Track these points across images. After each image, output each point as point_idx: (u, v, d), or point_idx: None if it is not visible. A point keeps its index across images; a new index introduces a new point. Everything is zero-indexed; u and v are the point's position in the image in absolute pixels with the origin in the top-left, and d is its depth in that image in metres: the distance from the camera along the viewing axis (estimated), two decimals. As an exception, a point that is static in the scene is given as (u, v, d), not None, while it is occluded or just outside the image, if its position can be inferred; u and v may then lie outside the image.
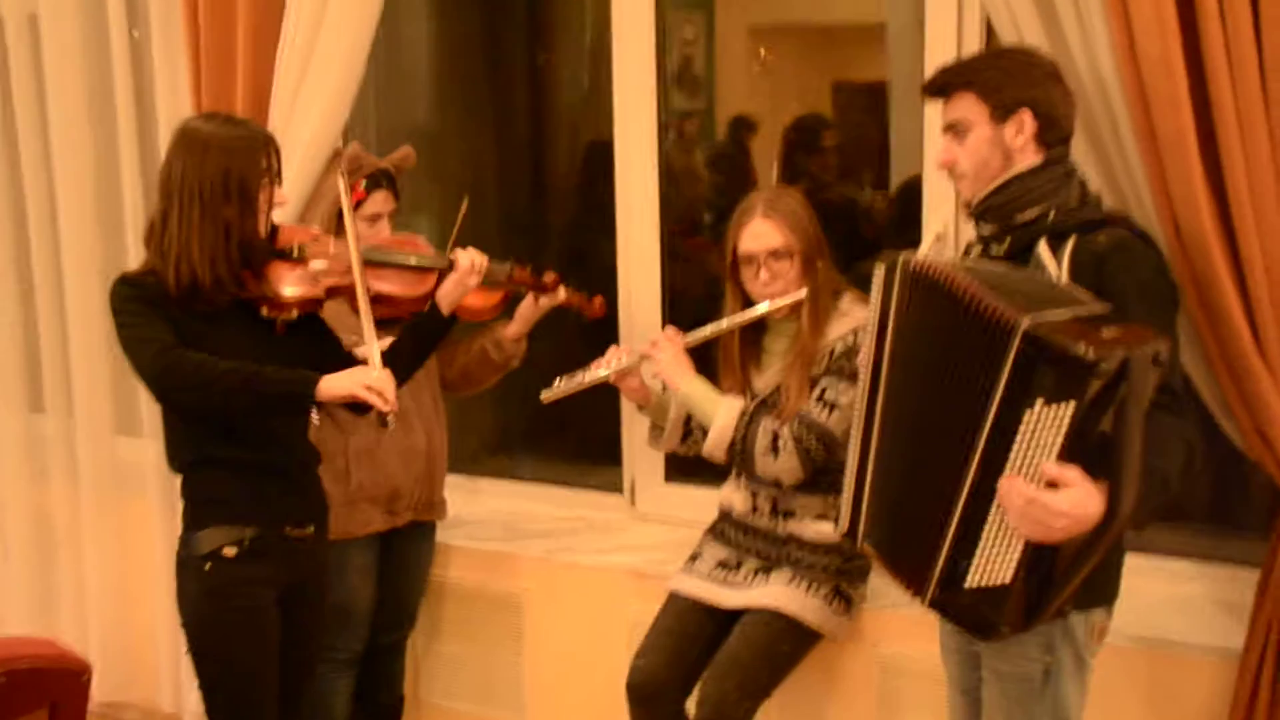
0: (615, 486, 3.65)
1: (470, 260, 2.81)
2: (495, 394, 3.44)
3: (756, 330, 2.93)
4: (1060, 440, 1.86)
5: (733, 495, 2.98)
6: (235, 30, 3.31)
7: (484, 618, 3.50)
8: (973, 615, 2.05)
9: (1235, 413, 2.38)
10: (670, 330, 2.92)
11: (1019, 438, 1.89)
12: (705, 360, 2.98)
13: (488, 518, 3.71)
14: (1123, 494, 1.86)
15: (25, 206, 3.97)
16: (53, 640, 2.93)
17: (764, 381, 2.90)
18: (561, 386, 2.93)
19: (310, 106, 3.22)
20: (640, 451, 3.47)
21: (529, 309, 3.15)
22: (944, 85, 2.25)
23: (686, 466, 3.32)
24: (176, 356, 2.46)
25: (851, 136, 3.76)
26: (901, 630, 2.90)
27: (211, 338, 2.53)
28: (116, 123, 3.71)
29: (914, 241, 3.00)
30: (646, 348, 2.91)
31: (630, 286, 3.48)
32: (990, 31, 2.76)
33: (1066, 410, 1.84)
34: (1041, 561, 1.96)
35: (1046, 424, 1.86)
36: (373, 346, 2.60)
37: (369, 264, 2.78)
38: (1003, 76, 2.19)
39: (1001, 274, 2.10)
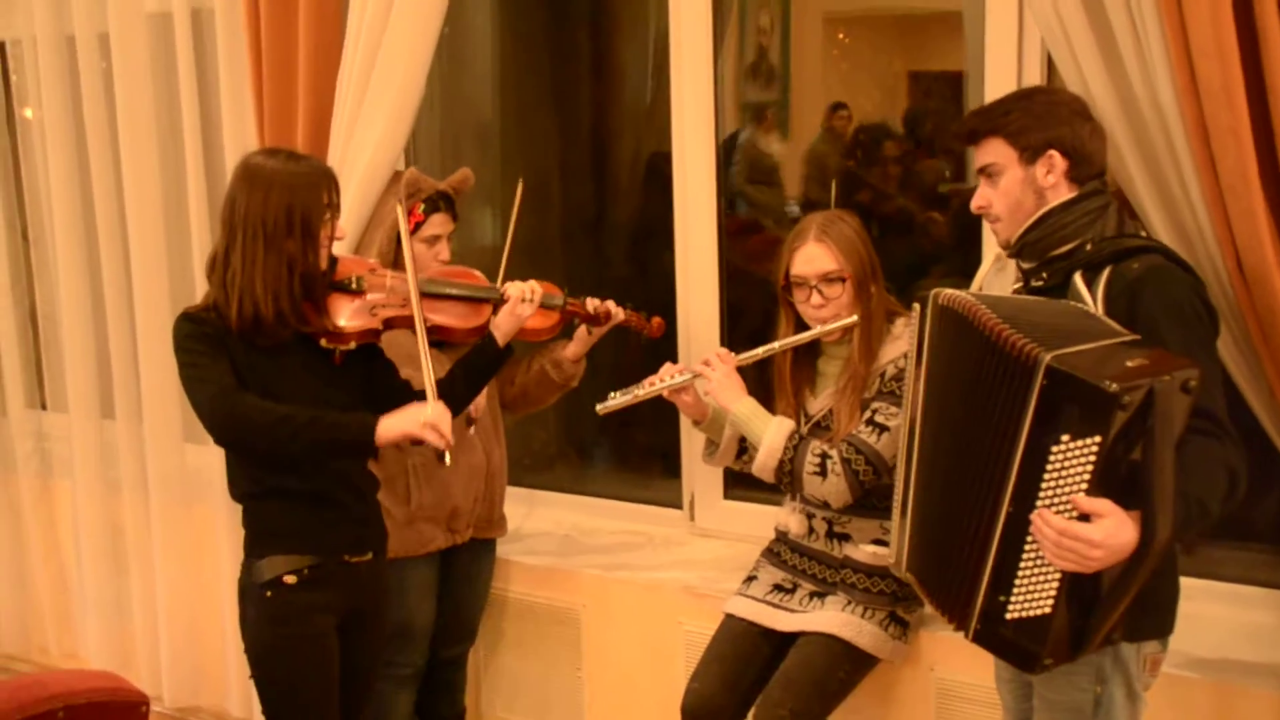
0: (675, 501, 3.66)
1: (521, 291, 2.84)
2: (556, 406, 3.46)
3: (810, 353, 2.93)
4: (1089, 473, 1.89)
5: (789, 518, 2.98)
6: (297, 52, 3.36)
7: (543, 632, 3.53)
8: (1015, 648, 2.06)
9: (1298, 445, 2.34)
10: (723, 350, 2.91)
11: (1048, 471, 1.93)
12: (762, 381, 2.99)
13: (547, 532, 3.74)
14: (1156, 523, 1.88)
15: (95, 221, 4.06)
16: (113, 674, 2.99)
17: (817, 404, 2.89)
18: (616, 400, 2.95)
19: (368, 132, 3.25)
20: (700, 467, 3.47)
21: (587, 330, 3.17)
22: (972, 132, 2.29)
23: (746, 482, 3.32)
24: (235, 401, 2.49)
25: (929, 126, 3.72)
26: (958, 654, 2.87)
27: (271, 371, 2.57)
28: (183, 138, 3.77)
29: (975, 259, 2.98)
30: (699, 366, 2.91)
31: (689, 305, 3.48)
32: (1051, 64, 2.73)
33: (1093, 444, 1.87)
34: (1081, 591, 1.97)
35: (1074, 458, 1.90)
36: (430, 382, 2.63)
37: (425, 296, 2.81)
38: (1028, 119, 2.21)
39: (1027, 306, 2.13)
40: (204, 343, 2.55)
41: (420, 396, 2.69)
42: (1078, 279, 2.16)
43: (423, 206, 3.07)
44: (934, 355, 2.24)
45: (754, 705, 2.82)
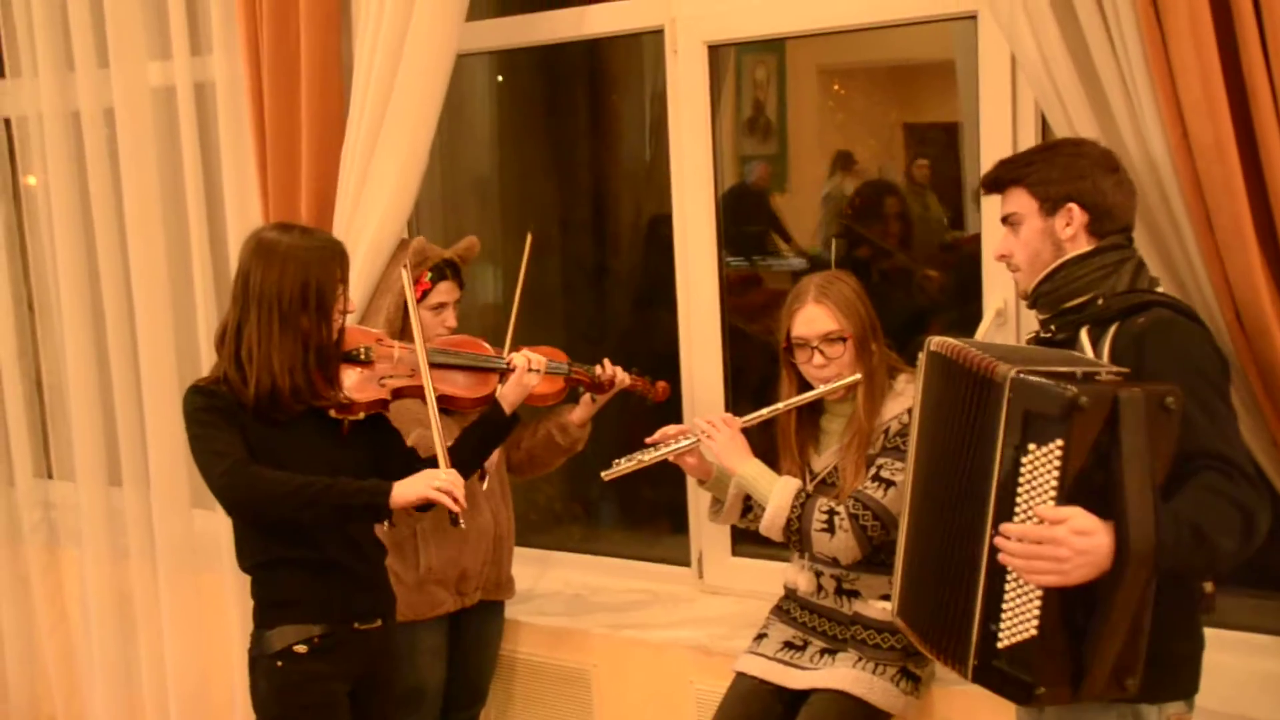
0: (683, 558, 3.66)
1: (526, 360, 2.89)
2: (562, 466, 3.46)
3: (813, 411, 2.95)
4: (1055, 480, 1.91)
5: (797, 575, 2.98)
6: (300, 129, 3.40)
7: (554, 693, 3.53)
8: (1009, 680, 2.03)
9: (1305, 493, 2.34)
10: (727, 415, 2.93)
11: (1020, 485, 1.95)
12: (765, 440, 3.00)
13: (556, 592, 3.74)
14: (1130, 530, 1.88)
15: (101, 291, 4.09)
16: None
17: (822, 462, 2.91)
18: (622, 466, 2.96)
19: (374, 202, 3.28)
20: (707, 524, 3.46)
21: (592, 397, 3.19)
22: (994, 181, 2.32)
23: (754, 539, 3.31)
24: (247, 475, 2.51)
25: (925, 176, 3.75)
26: (971, 708, 2.88)
27: (281, 442, 2.59)
28: (187, 209, 3.81)
29: (976, 315, 3.01)
30: (702, 427, 2.93)
31: (692, 366, 3.50)
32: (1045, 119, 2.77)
33: (1056, 449, 1.90)
34: (1069, 612, 1.96)
35: (1041, 467, 1.93)
36: (441, 448, 2.65)
37: (432, 366, 2.84)
38: (1050, 170, 2.23)
39: (1019, 348, 2.18)
40: (215, 415, 2.57)
41: (429, 463, 2.71)
42: (1083, 335, 2.17)
43: (429, 275, 3.11)
44: (926, 400, 2.27)
45: (768, 764, 2.82)
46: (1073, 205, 2.21)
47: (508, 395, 2.88)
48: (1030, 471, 1.95)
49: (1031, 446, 1.94)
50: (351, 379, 2.73)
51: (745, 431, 2.91)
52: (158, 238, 3.90)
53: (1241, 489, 1.99)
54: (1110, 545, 1.90)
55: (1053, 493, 1.93)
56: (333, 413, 2.68)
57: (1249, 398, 2.33)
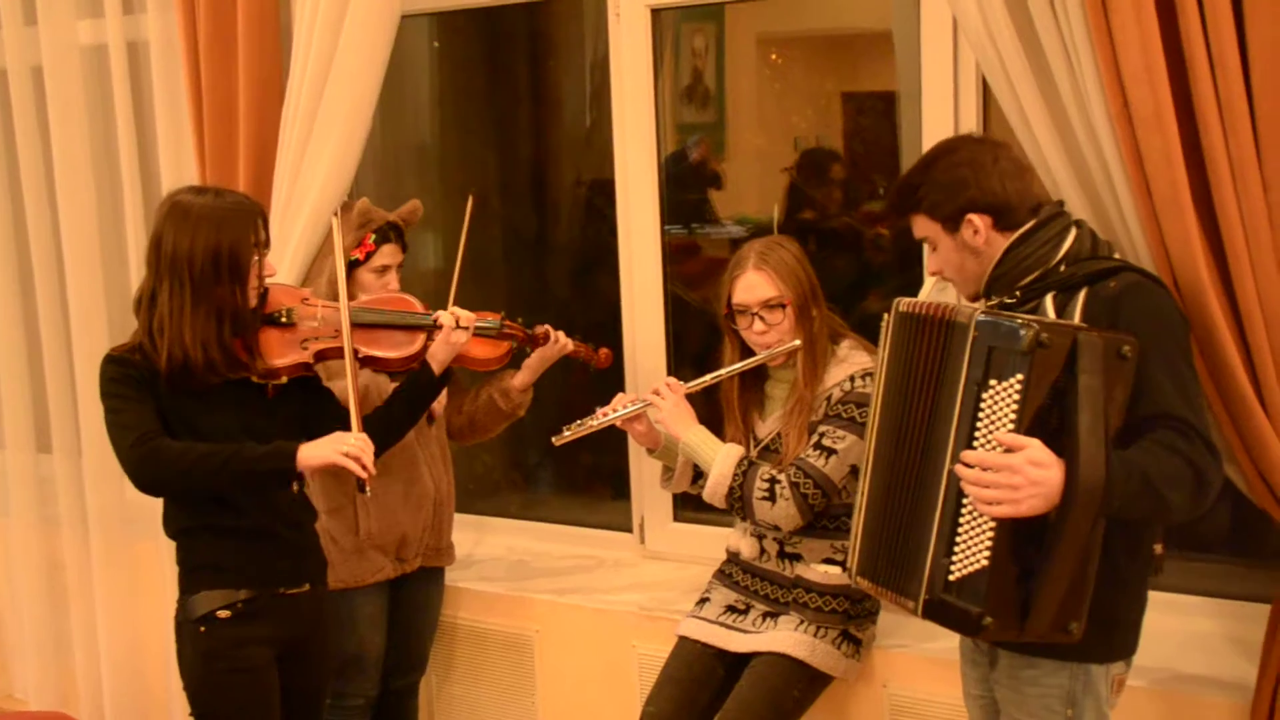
0: (624, 524, 3.67)
1: (454, 318, 2.85)
2: (504, 431, 3.45)
3: (758, 377, 2.96)
4: (1014, 413, 1.99)
5: (740, 540, 3.00)
6: (237, 86, 3.35)
7: (496, 659, 3.53)
8: (958, 612, 2.09)
9: (1238, 458, 2.39)
10: (672, 379, 2.94)
11: (980, 419, 2.03)
12: (711, 407, 3.01)
13: (497, 558, 3.74)
14: (1080, 468, 1.95)
15: (30, 253, 4.01)
16: (63, 713, 2.95)
17: (766, 428, 2.93)
18: (570, 433, 2.95)
19: (317, 164, 3.23)
20: (649, 490, 3.50)
21: (536, 360, 3.18)
22: (895, 210, 2.39)
23: (695, 505, 3.34)
24: (153, 448, 2.45)
25: (863, 146, 3.77)
26: (911, 670, 2.92)
27: (199, 410, 2.55)
28: (120, 173, 3.75)
29: (918, 276, 3.02)
30: (650, 395, 2.93)
31: (635, 332, 3.51)
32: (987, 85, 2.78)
33: (1016, 383, 1.98)
34: (1019, 546, 2.03)
35: (1001, 401, 2.01)
36: (355, 413, 2.61)
37: (358, 326, 2.79)
38: (936, 192, 2.27)
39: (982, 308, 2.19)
40: (128, 386, 2.51)
41: (366, 424, 2.68)
42: (1048, 301, 2.19)
43: (373, 237, 3.07)
44: (892, 363, 2.30)
45: (710, 727, 2.83)
46: (971, 216, 2.24)
47: (436, 354, 2.83)
48: (990, 406, 2.02)
49: (993, 382, 2.01)
50: (272, 343, 2.65)
51: (691, 398, 2.92)
52: (89, 201, 3.83)
53: (1196, 449, 2.05)
54: (1061, 480, 1.97)
55: (1011, 426, 2.00)
56: (255, 378, 2.62)
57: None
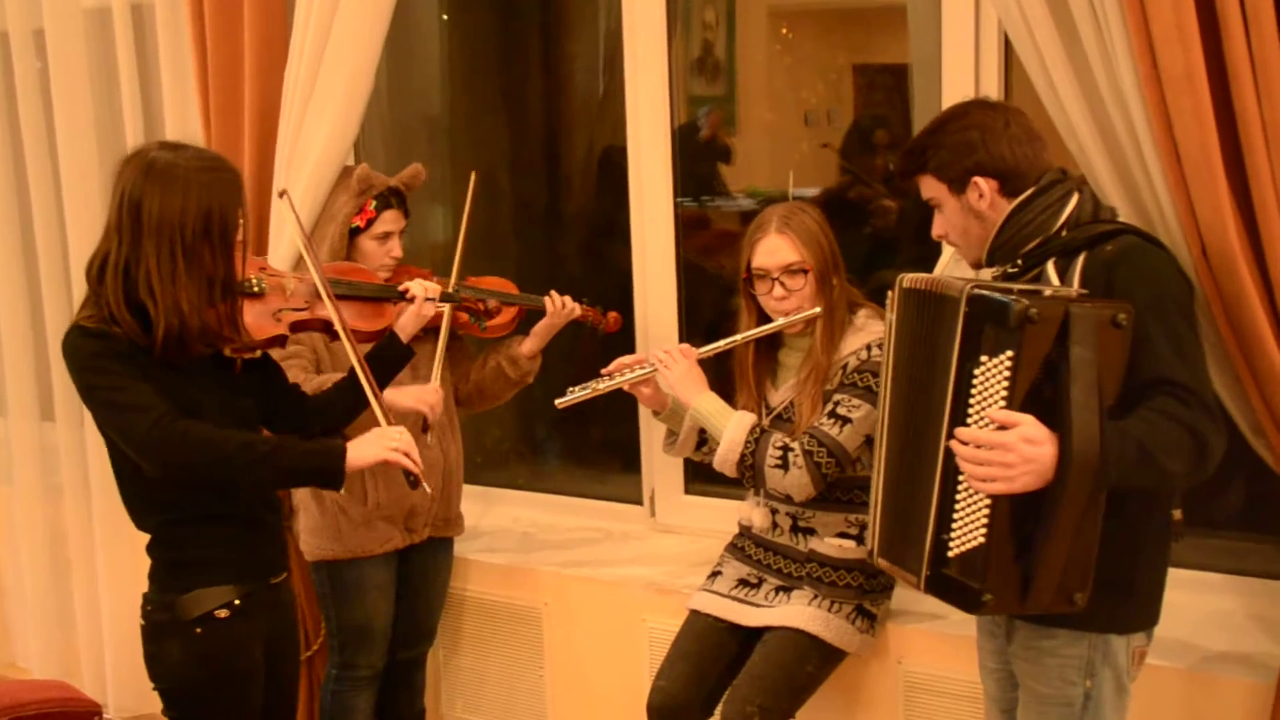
0: (634, 497, 3.63)
1: (424, 288, 2.80)
2: (510, 403, 3.42)
3: (771, 344, 2.91)
4: (1005, 390, 1.97)
5: (752, 512, 2.95)
6: (242, 47, 3.30)
7: (504, 631, 3.50)
8: (959, 588, 2.09)
9: (1266, 431, 2.34)
10: (684, 345, 2.89)
11: (973, 396, 2.02)
12: (722, 373, 2.96)
13: (505, 529, 3.70)
14: (1074, 441, 1.92)
15: (33, 220, 3.97)
16: (64, 683, 2.91)
17: (779, 397, 2.88)
18: (575, 394, 2.90)
19: (318, 125, 3.18)
20: (660, 462, 3.46)
21: (543, 326, 3.13)
22: (904, 170, 2.36)
23: (707, 477, 3.30)
24: (182, 431, 2.27)
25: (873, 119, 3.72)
26: (926, 646, 2.88)
27: (183, 387, 2.36)
28: (124, 137, 3.71)
29: (935, 249, 2.97)
30: (658, 356, 2.88)
31: (647, 298, 3.46)
32: (1008, 54, 2.73)
33: (1007, 360, 1.96)
34: (1016, 521, 2.01)
35: (993, 377, 2.00)
36: (380, 408, 2.50)
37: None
38: (943, 152, 2.25)
39: (985, 281, 2.18)
40: (116, 361, 2.29)
41: (320, 403, 2.63)
42: (1050, 267, 2.17)
43: (374, 203, 3.03)
44: (899, 339, 2.29)
45: (721, 702, 2.79)
46: (976, 179, 2.22)
47: (405, 326, 2.76)
48: (982, 382, 2.01)
49: (984, 358, 2.00)
50: (247, 315, 2.51)
51: (701, 364, 2.86)
52: (92, 166, 3.79)
53: (1196, 415, 2.01)
54: (1054, 456, 1.95)
55: (1002, 403, 1.98)
56: (228, 351, 2.45)
57: (1213, 332, 2.31)
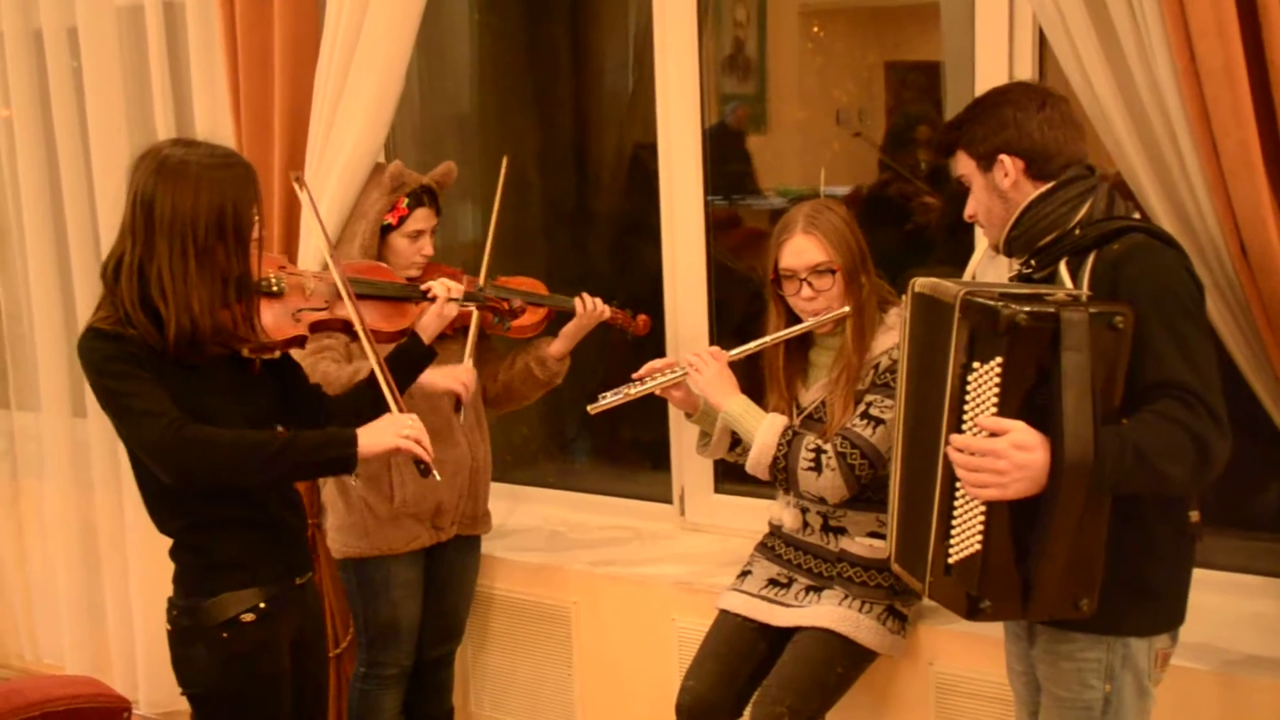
0: (664, 495, 3.61)
1: (446, 289, 2.79)
2: (539, 401, 3.41)
3: (802, 345, 2.89)
4: (996, 396, 1.96)
5: (782, 512, 2.93)
6: (273, 45, 3.30)
7: (532, 630, 3.49)
8: (959, 595, 2.08)
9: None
10: (714, 348, 2.87)
11: (967, 403, 2.01)
12: (753, 374, 2.94)
13: (534, 528, 3.69)
14: (1065, 445, 1.91)
15: (65, 218, 3.99)
16: (94, 679, 2.91)
17: (810, 397, 2.85)
18: (608, 400, 2.89)
19: (349, 123, 3.18)
20: (689, 461, 3.44)
21: (572, 327, 3.13)
22: (940, 146, 2.36)
23: (737, 476, 3.27)
24: (195, 436, 2.23)
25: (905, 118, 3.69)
26: (957, 648, 2.85)
27: (198, 389, 2.33)
28: (155, 134, 3.70)
29: (969, 245, 2.95)
30: (688, 359, 2.86)
31: (677, 300, 3.44)
32: (1042, 51, 2.71)
33: (996, 366, 1.95)
34: (1013, 527, 2.00)
35: (984, 384, 2.01)
36: (393, 394, 2.47)
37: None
38: (977, 127, 2.24)
39: (994, 284, 2.20)
40: (130, 363, 2.26)
41: (340, 402, 2.61)
42: (1062, 267, 2.15)
43: (406, 201, 3.03)
44: (911, 341, 2.27)
45: (750, 702, 2.78)
46: (1003, 156, 2.19)
47: (428, 326, 2.74)
48: (975, 389, 2.00)
49: (976, 364, 1.99)
50: (265, 315, 2.48)
51: (732, 365, 2.85)
52: (124, 163, 3.72)
53: (1199, 418, 1.98)
54: (1046, 461, 1.94)
55: (993, 409, 1.97)
56: (246, 351, 2.41)
57: (1251, 331, 2.29)
